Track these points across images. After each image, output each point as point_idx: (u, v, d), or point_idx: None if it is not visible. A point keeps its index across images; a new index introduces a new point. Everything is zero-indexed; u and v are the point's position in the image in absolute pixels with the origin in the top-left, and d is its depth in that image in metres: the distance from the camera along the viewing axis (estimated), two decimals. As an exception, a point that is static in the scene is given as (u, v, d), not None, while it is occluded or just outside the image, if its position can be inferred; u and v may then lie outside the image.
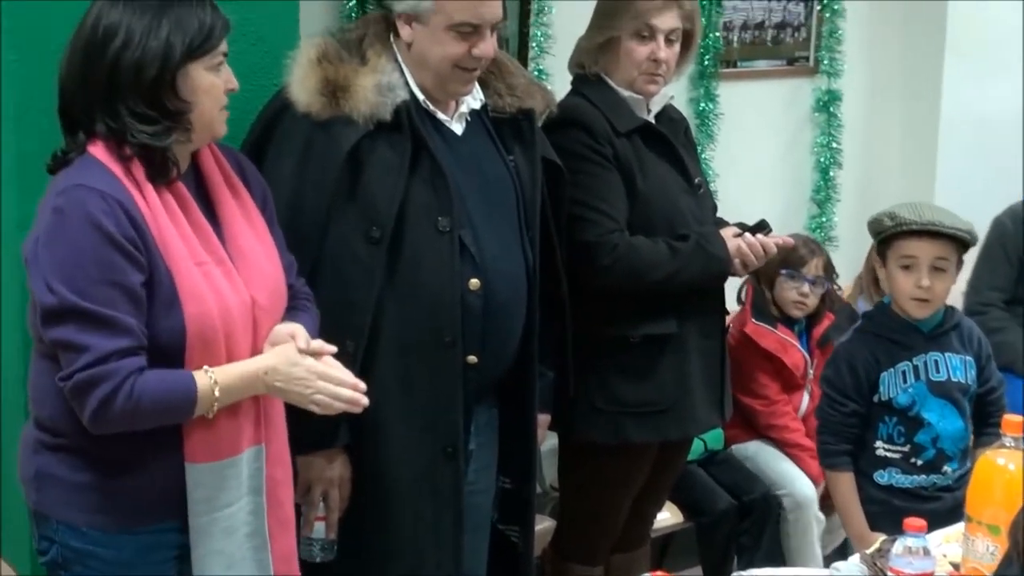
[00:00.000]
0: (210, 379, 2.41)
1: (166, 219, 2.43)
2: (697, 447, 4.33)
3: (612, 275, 3.30)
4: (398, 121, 2.87)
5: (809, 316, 4.57)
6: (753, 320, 4.43)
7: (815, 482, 4.40)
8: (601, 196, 3.32)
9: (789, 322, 4.53)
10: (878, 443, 3.51)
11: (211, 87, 2.48)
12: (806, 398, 4.56)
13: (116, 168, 2.41)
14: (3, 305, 2.95)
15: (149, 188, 2.42)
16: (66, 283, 2.32)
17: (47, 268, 2.34)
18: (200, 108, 2.47)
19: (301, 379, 2.51)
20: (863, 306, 4.55)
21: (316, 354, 2.55)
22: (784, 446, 4.51)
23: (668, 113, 3.57)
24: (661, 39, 3.37)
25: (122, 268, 2.35)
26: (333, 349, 2.58)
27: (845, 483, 3.54)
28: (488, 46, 2.91)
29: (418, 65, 2.93)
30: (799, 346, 4.53)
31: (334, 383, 2.53)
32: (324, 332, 2.67)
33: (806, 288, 4.48)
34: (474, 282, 2.95)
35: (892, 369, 3.48)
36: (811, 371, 4.54)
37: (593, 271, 3.31)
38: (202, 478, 2.49)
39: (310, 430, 2.79)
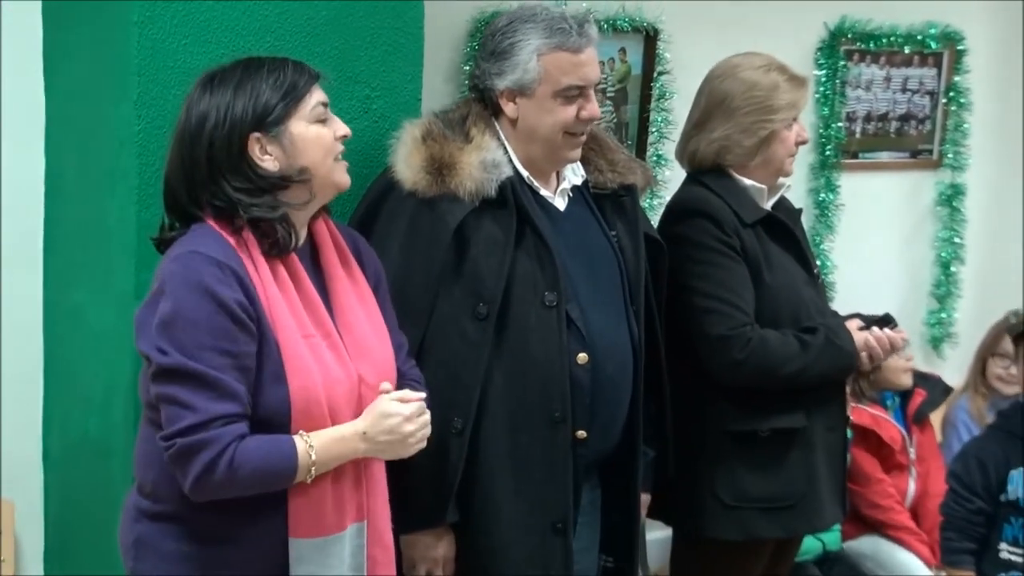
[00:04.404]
0: (306, 443, 2.38)
1: (275, 290, 2.42)
2: (815, 547, 4.24)
3: (744, 370, 3.22)
4: (503, 197, 2.86)
5: (902, 394, 4.56)
6: None
7: (928, 566, 4.30)
8: (731, 288, 3.25)
9: (880, 400, 4.51)
10: (1002, 545, 3.44)
11: (317, 138, 2.48)
12: (911, 483, 4.48)
13: (230, 237, 2.42)
14: (120, 375, 2.96)
15: (261, 258, 2.43)
16: (179, 347, 2.31)
17: (160, 331, 2.33)
18: (311, 159, 2.47)
19: (397, 427, 2.47)
20: (965, 403, 4.54)
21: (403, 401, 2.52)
22: (889, 528, 4.41)
23: (784, 203, 3.52)
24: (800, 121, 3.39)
25: (234, 337, 2.34)
26: (421, 395, 2.54)
27: (965, 583, 3.46)
28: (595, 107, 2.92)
29: (526, 139, 2.93)
30: (893, 421, 4.47)
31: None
32: (433, 410, 2.64)
33: (911, 354, 4.53)
34: (582, 356, 2.92)
35: (1022, 468, 3.40)
36: (911, 449, 4.50)
37: (725, 365, 3.24)
38: (306, 553, 2.46)
39: (417, 507, 2.77)
